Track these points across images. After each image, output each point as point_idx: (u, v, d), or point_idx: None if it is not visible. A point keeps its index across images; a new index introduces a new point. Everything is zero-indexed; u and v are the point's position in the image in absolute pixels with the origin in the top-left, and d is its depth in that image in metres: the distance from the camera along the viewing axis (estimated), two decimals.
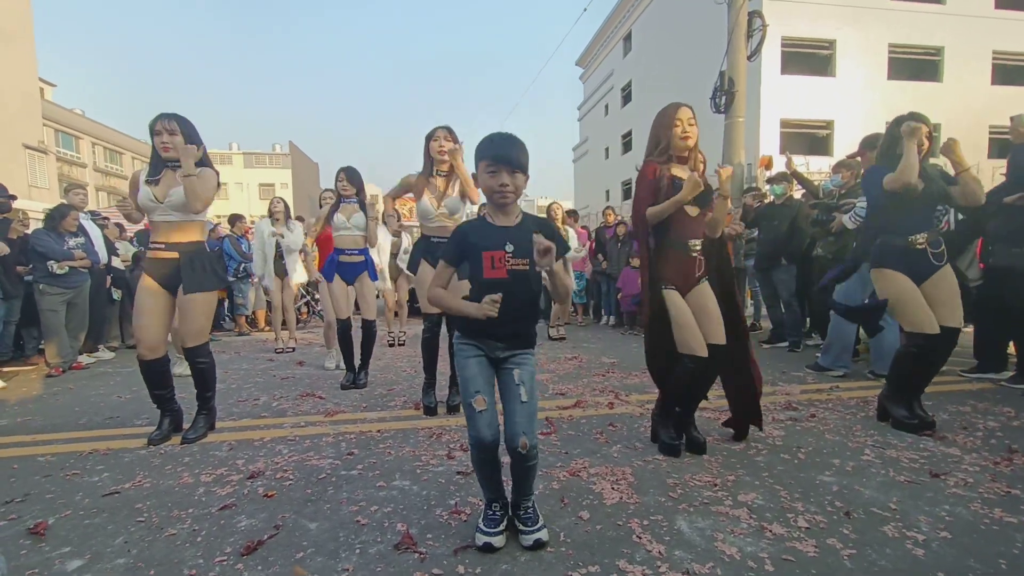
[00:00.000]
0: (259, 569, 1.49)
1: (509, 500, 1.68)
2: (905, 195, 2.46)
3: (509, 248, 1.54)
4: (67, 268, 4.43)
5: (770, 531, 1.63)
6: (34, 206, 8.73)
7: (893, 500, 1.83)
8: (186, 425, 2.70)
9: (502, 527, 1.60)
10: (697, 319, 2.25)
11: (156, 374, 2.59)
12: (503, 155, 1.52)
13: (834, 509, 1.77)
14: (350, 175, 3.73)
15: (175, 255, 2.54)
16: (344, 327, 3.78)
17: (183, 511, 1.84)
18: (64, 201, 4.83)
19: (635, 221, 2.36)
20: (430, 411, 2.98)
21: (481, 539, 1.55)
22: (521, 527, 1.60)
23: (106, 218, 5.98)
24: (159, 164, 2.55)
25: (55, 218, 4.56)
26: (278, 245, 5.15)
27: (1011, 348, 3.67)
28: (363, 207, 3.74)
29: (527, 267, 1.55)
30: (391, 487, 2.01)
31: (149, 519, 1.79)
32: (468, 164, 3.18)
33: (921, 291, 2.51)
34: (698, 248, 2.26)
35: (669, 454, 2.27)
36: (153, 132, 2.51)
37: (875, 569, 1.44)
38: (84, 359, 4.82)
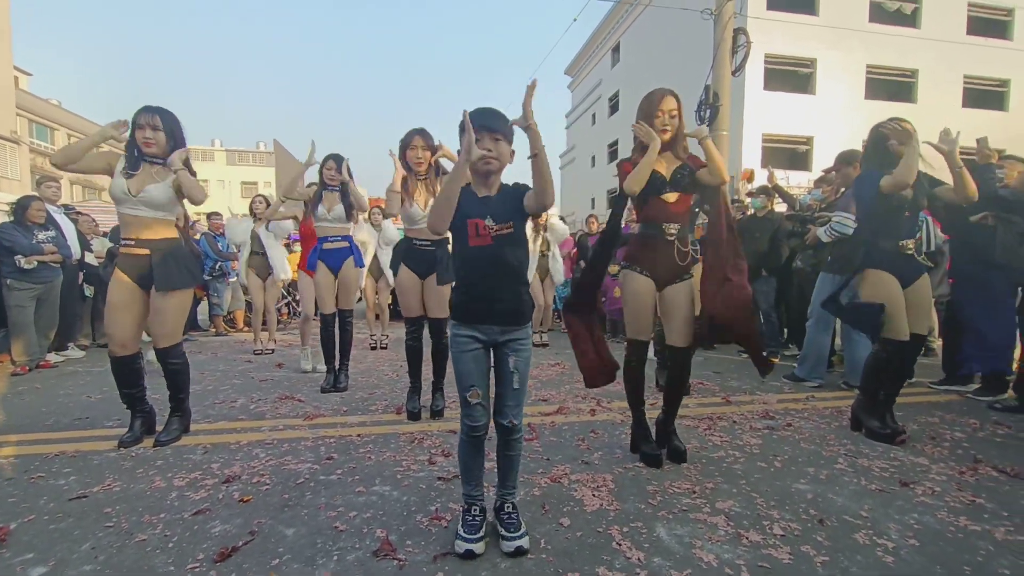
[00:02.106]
0: None
1: (491, 503, 1.69)
2: (896, 200, 2.49)
3: (489, 222, 1.58)
4: (35, 263, 4.29)
5: (747, 538, 1.66)
6: (3, 198, 8.42)
7: (864, 508, 1.88)
8: (159, 427, 2.63)
9: (482, 533, 1.59)
10: (665, 316, 2.27)
11: (127, 370, 2.52)
12: (484, 123, 1.57)
13: (808, 517, 1.81)
14: (339, 162, 3.64)
15: (146, 251, 2.47)
16: (327, 322, 3.70)
17: (154, 516, 1.79)
18: (34, 193, 4.68)
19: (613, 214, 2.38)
20: (413, 416, 2.95)
21: (462, 546, 1.55)
22: (503, 532, 1.60)
23: (79, 212, 5.80)
24: (138, 159, 2.49)
25: (19, 210, 4.42)
26: (258, 238, 5.04)
27: None
28: (344, 197, 3.65)
29: (511, 229, 1.60)
30: (371, 492, 1.99)
31: (118, 524, 1.74)
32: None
33: (904, 295, 2.58)
34: (674, 232, 2.20)
35: (651, 464, 2.27)
36: (136, 126, 2.46)
37: None
38: (53, 357, 4.65)
